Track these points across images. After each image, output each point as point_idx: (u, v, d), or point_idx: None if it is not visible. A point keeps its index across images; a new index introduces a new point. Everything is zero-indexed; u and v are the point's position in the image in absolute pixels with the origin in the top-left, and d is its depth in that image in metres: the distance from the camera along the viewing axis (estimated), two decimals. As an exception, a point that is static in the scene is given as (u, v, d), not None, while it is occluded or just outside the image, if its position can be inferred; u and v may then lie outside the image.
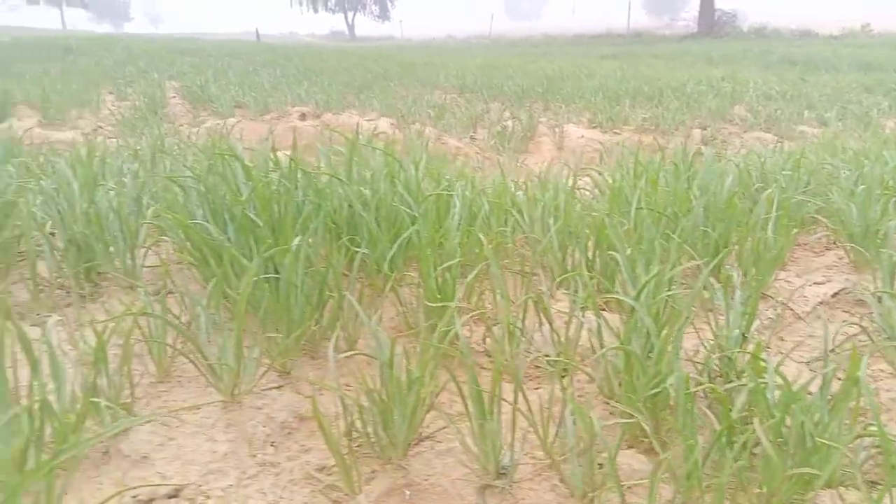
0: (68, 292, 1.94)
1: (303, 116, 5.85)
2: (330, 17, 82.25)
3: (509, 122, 6.75)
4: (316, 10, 77.53)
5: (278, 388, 1.47)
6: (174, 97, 7.20)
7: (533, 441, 1.27)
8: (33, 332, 1.71)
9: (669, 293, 1.50)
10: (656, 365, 1.31)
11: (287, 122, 5.74)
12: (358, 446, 1.27)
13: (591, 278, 1.57)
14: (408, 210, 1.92)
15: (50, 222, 2.00)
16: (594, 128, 6.27)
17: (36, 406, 1.15)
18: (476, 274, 1.65)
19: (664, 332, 1.34)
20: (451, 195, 2.04)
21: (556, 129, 6.13)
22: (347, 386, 1.53)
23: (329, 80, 10.09)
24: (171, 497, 1.16)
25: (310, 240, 1.63)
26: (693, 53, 18.09)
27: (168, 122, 6.17)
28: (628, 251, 1.67)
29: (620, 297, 1.48)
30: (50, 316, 1.74)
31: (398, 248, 1.83)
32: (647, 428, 1.13)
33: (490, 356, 1.66)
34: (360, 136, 4.55)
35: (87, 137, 5.57)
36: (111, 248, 1.90)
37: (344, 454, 1.17)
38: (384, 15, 77.44)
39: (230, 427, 1.34)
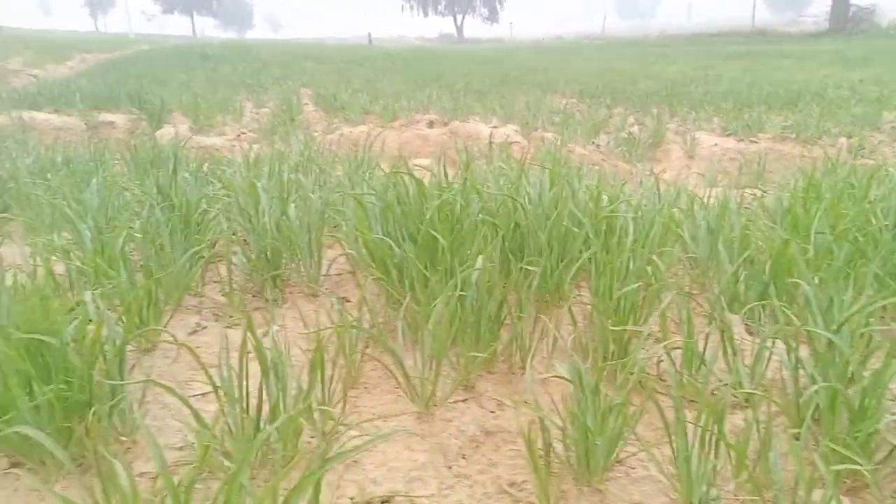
0: (254, 296, 2.11)
1: (431, 124, 5.99)
2: (439, 19, 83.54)
3: (634, 129, 6.61)
4: (426, 14, 78.96)
5: (464, 401, 1.53)
6: (307, 104, 7.57)
7: (727, 474, 1.26)
8: (231, 335, 1.88)
9: (868, 328, 1.44)
10: (861, 404, 1.26)
11: (416, 129, 5.90)
12: (550, 465, 1.31)
13: (783, 308, 1.53)
14: (575, 229, 1.94)
15: (239, 231, 2.18)
16: (728, 135, 6.01)
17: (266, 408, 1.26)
18: (656, 300, 1.64)
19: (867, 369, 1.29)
20: (615, 213, 2.04)
21: (687, 137, 5.94)
22: (526, 402, 1.57)
23: (447, 86, 10.27)
24: (384, 502, 1.24)
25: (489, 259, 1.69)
26: (825, 53, 16.94)
27: (303, 128, 6.50)
28: (815, 279, 1.61)
29: (816, 331, 1.43)
30: (231, 318, 1.89)
31: (566, 266, 1.85)
32: (867, 474, 1.09)
33: (664, 380, 1.65)
34: (493, 146, 4.59)
35: (234, 143, 5.97)
36: (297, 258, 2.04)
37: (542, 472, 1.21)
38: (493, 17, 77.67)
39: (426, 437, 1.41)
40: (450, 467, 1.36)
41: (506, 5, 78.28)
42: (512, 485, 1.34)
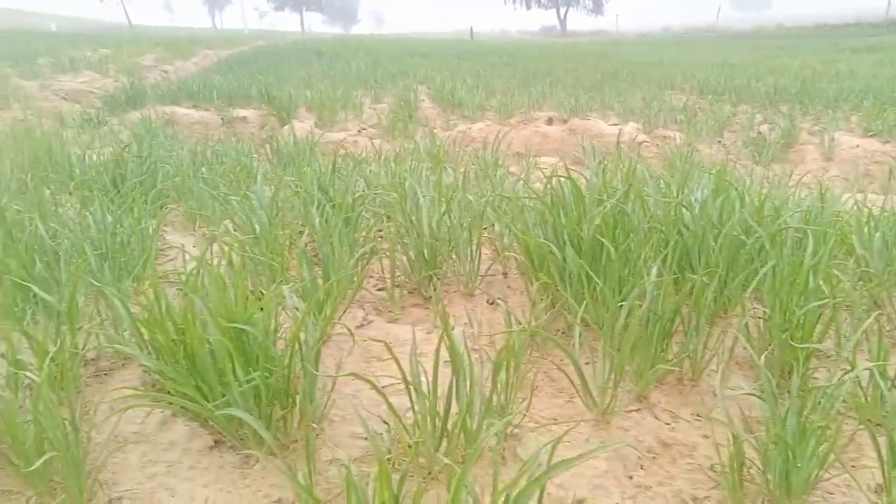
0: (410, 293, 2.17)
1: (549, 121, 5.95)
2: (541, 13, 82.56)
3: (763, 128, 6.29)
4: (528, 7, 78.23)
5: (638, 411, 1.52)
6: (423, 100, 7.70)
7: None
8: (394, 330, 1.95)
9: None
10: None
11: (534, 126, 5.88)
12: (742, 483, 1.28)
13: None
14: (743, 238, 1.87)
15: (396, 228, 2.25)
16: (870, 136, 5.61)
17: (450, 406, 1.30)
18: (834, 317, 1.56)
19: None
20: (786, 222, 1.95)
21: (824, 137, 5.58)
22: (697, 417, 1.54)
23: (557, 82, 10.15)
24: (576, 506, 1.26)
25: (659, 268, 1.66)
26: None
27: (421, 125, 6.62)
28: None
29: None
30: (391, 314, 1.96)
31: (739, 278, 1.80)
32: None
33: (847, 402, 1.57)
34: (619, 145, 4.49)
35: (356, 138, 6.17)
36: (454, 257, 2.09)
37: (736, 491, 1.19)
38: (597, 9, 75.88)
39: (604, 445, 1.42)
40: (630, 477, 1.36)
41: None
42: (694, 500, 1.32)
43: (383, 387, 1.67)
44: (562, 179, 2.07)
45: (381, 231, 2.54)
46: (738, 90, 8.35)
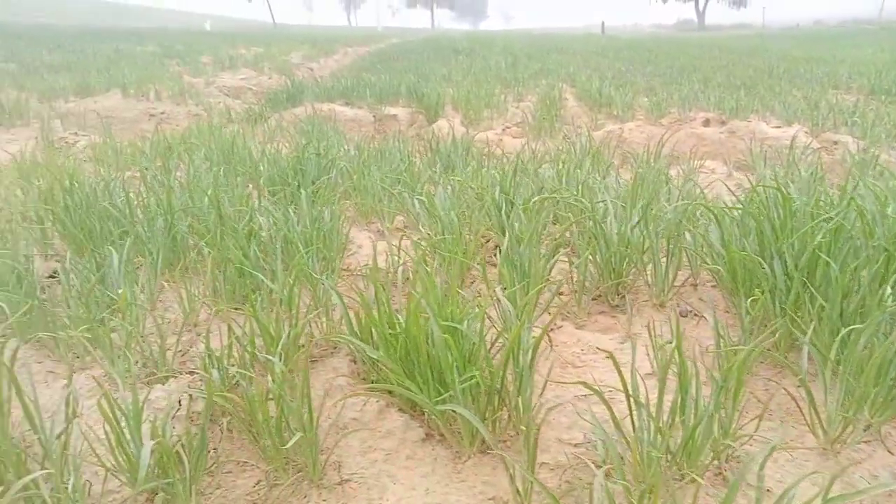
0: (594, 299, 2.17)
1: (707, 122, 5.69)
2: (679, 5, 79.14)
3: (953, 133, 5.67)
4: (665, 1, 75.18)
5: (867, 443, 1.43)
6: (567, 98, 7.61)
7: None
8: (585, 337, 1.95)
9: None
10: None
11: (690, 127, 5.64)
12: None
13: None
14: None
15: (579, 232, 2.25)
16: None
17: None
18: None
19: None
20: None
21: None
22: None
23: (703, 80, 9.68)
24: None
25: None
26: None
27: (566, 123, 6.55)
28: None
29: None
30: (578, 319, 1.95)
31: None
32: None
33: None
34: (795, 152, 4.22)
35: (500, 136, 6.21)
36: (641, 266, 2.06)
37: None
38: (740, 1, 71.62)
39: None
40: (866, 513, 1.28)
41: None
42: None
43: (583, 395, 1.68)
44: (766, 189, 1.98)
45: (561, 237, 2.54)
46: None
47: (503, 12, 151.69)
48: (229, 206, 2.44)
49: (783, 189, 1.89)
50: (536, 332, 1.91)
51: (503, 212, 2.30)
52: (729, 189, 2.65)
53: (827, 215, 1.75)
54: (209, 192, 2.59)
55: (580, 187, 2.69)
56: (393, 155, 4.15)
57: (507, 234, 1.98)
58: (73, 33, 22.54)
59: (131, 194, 2.59)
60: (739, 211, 1.96)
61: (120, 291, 1.80)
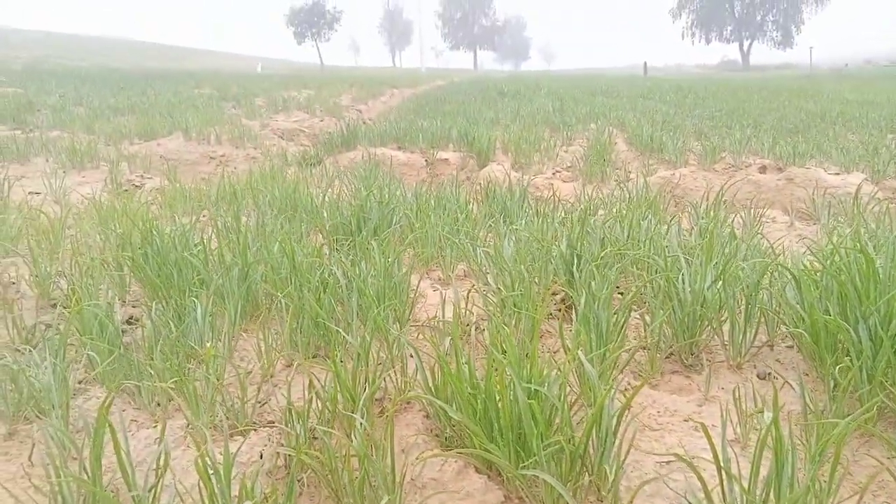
0: (667, 357, 2.14)
1: (763, 169, 5.62)
2: (722, 46, 79.04)
3: None
4: (708, 41, 75.26)
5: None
6: (617, 143, 7.62)
7: None
8: (660, 398, 1.91)
9: None
10: None
11: (745, 173, 5.57)
12: None
13: None
14: None
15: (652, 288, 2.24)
16: None
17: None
18: None
19: None
20: None
21: None
22: None
23: (756, 123, 9.58)
24: None
25: None
26: None
27: (616, 168, 6.54)
28: None
29: None
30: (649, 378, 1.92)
31: None
32: None
33: None
34: (857, 200, 4.13)
35: (550, 180, 6.23)
36: (721, 326, 2.03)
37: None
38: (786, 41, 71.17)
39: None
40: None
41: (805, 28, 71.30)
42: None
43: (664, 462, 1.65)
44: (848, 251, 1.94)
45: (634, 295, 2.53)
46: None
47: (545, 52, 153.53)
48: (301, 255, 2.50)
49: (865, 250, 1.85)
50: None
51: (574, 266, 2.30)
52: (802, 243, 2.60)
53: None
54: (279, 241, 2.66)
55: (647, 241, 2.68)
56: (449, 201, 4.21)
57: (579, 290, 1.98)
58: (136, 76, 23.62)
59: (206, 241, 2.68)
60: (820, 272, 1.92)
61: (208, 345, 1.86)
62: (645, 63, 61.33)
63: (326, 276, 2.33)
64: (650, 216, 3.53)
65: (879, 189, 5.31)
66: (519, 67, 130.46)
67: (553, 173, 6.56)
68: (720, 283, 2.01)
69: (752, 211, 4.24)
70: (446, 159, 6.73)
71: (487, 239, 3.38)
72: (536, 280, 2.37)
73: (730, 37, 74.54)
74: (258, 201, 4.01)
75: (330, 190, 4.54)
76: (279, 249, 2.59)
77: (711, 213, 4.02)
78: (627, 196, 4.68)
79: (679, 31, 76.94)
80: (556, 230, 3.29)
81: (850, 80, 25.96)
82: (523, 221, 3.67)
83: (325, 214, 3.60)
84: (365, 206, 3.45)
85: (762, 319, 2.05)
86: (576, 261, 2.38)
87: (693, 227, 3.80)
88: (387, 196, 3.79)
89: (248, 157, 7.29)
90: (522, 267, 2.28)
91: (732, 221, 3.93)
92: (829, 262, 1.94)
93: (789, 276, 2.02)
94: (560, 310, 2.43)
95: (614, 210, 4.25)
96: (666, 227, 3.51)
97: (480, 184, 5.82)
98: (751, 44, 73.00)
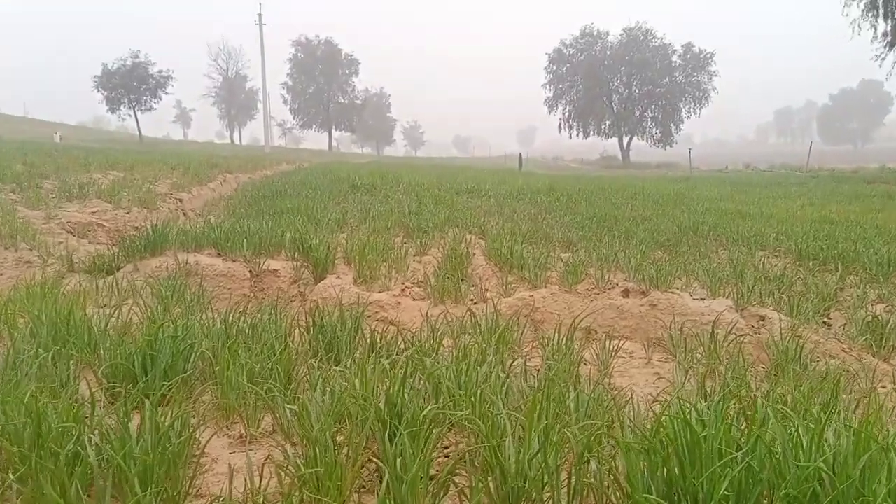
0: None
1: (626, 293, 6.08)
2: (600, 141, 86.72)
3: (878, 308, 6.32)
4: (586, 135, 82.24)
5: None
6: (475, 254, 7.99)
7: None
8: None
9: None
10: None
11: (608, 297, 6.01)
12: None
13: None
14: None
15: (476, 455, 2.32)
16: None
17: None
18: None
19: None
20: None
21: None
22: None
23: (628, 233, 10.45)
24: None
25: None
26: None
27: (473, 284, 6.83)
28: None
29: None
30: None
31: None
32: None
33: None
34: (715, 334, 4.56)
35: (399, 298, 6.37)
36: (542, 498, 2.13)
37: None
38: (665, 139, 79.26)
39: None
40: None
41: (684, 127, 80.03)
42: None
43: None
44: (672, 418, 2.14)
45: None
46: (842, 256, 8.48)
47: (411, 137, 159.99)
48: (53, 417, 2.37)
49: (690, 422, 2.05)
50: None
51: (390, 429, 2.35)
52: (656, 385, 2.83)
53: (732, 455, 1.91)
54: (29, 394, 2.51)
55: (479, 394, 2.80)
56: (268, 329, 4.19)
57: (392, 461, 2.03)
58: None
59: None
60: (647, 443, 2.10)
61: None
62: (521, 155, 65.65)
63: (83, 447, 2.22)
64: (493, 356, 3.70)
65: (743, 317, 5.91)
66: (381, 152, 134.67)
67: (402, 290, 6.72)
68: (542, 454, 2.14)
69: (608, 343, 4.56)
70: (276, 270, 6.72)
71: (303, 384, 3.38)
72: (347, 448, 2.39)
73: (608, 131, 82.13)
74: (14, 331, 3.77)
75: (118, 314, 4.37)
76: (27, 408, 2.44)
77: (565, 347, 4.29)
78: (478, 324, 4.89)
79: (554, 123, 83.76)
80: (388, 372, 3.36)
81: (728, 184, 29.13)
82: (351, 360, 3.71)
83: (102, 350, 3.45)
84: (155, 340, 3.35)
85: (590, 495, 2.19)
86: (394, 421, 2.43)
87: (541, 367, 4.02)
88: (186, 326, 3.71)
89: (19, 262, 6.87)
90: (327, 434, 2.30)
91: (581, 359, 4.20)
92: (653, 433, 2.12)
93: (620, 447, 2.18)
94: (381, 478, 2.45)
95: (463, 341, 4.43)
96: (511, 366, 3.69)
97: (317, 302, 5.84)
98: (630, 140, 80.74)
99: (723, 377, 3.77)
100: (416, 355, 3.58)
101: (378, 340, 4.24)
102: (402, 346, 4.20)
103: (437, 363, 3.48)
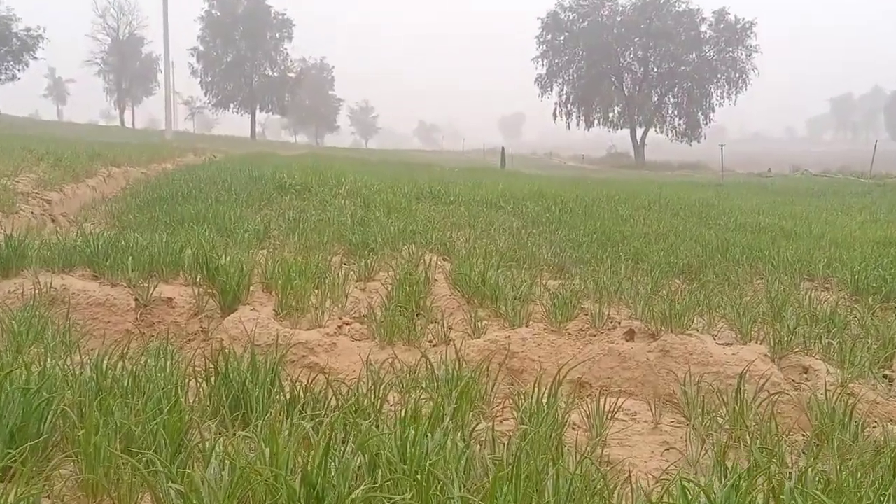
0: None
1: (630, 335, 6.13)
2: (608, 133, 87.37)
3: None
4: (589, 126, 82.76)
5: None
6: (437, 280, 8.00)
7: None
8: None
9: None
10: None
11: (607, 341, 6.06)
12: None
13: None
14: None
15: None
16: None
17: None
18: None
19: None
20: None
21: None
22: None
23: (638, 255, 10.54)
24: None
25: None
26: None
27: (433, 321, 6.83)
28: None
29: None
30: None
31: None
32: None
33: None
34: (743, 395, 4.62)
35: (334, 339, 6.36)
36: None
37: None
38: (692, 133, 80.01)
39: None
40: None
41: (715, 117, 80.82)
42: None
43: None
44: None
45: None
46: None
47: (361, 123, 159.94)
48: None
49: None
50: None
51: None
52: (665, 458, 2.85)
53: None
54: None
55: (427, 469, 2.79)
56: (154, 380, 4.15)
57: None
58: None
59: None
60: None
61: None
62: (503, 150, 65.82)
63: None
64: (452, 418, 3.71)
65: (780, 367, 6.00)
66: (321, 141, 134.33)
67: (338, 326, 6.71)
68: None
69: (604, 401, 4.59)
70: (170, 299, 6.68)
71: (197, 453, 3.35)
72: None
73: (617, 121, 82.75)
74: None
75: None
76: None
77: (546, 406, 4.31)
78: (435, 375, 4.90)
79: (550, 108, 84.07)
80: (311, 438, 3.35)
81: (770, 193, 29.60)
82: (263, 421, 3.69)
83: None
84: (-2, 394, 3.31)
85: None
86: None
87: (517, 430, 4.04)
88: (44, 374, 3.67)
89: None
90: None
91: (567, 422, 4.23)
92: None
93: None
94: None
95: (414, 397, 4.42)
96: (474, 432, 3.70)
97: (223, 342, 5.80)
98: (645, 132, 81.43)
99: (749, 448, 3.81)
100: (349, 416, 3.58)
101: (301, 394, 4.23)
102: (335, 403, 4.20)
103: (377, 427, 3.48)
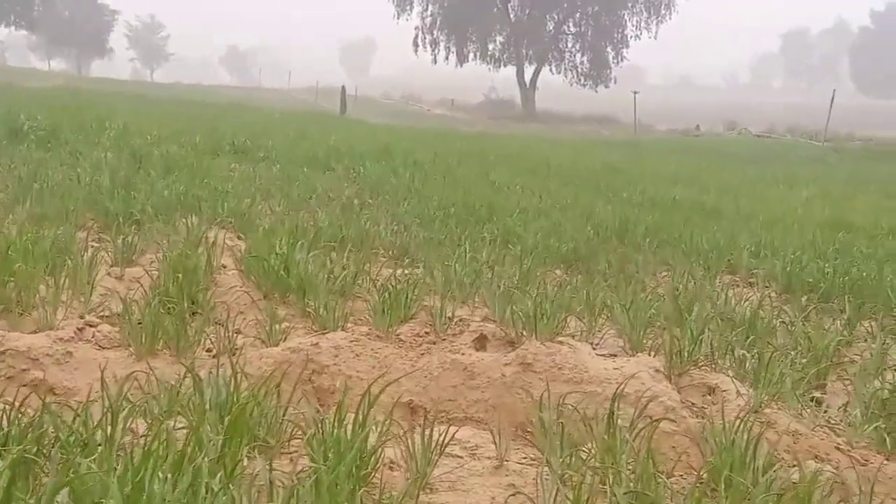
0: None
1: (481, 341, 6.15)
2: (486, 70, 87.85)
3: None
4: (462, 61, 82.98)
5: None
6: (225, 266, 7.90)
7: None
8: None
9: None
10: None
11: (450, 350, 6.05)
12: None
13: None
14: None
15: None
16: None
17: None
18: None
19: None
20: None
21: None
22: None
23: (505, 235, 10.65)
24: None
25: None
26: None
27: (216, 322, 6.72)
28: None
29: None
30: None
31: None
32: None
33: None
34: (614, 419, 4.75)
35: (72, 346, 6.21)
36: None
37: None
38: (599, 75, 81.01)
39: None
40: None
41: (629, 54, 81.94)
42: None
43: None
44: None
45: None
46: (856, 287, 8.94)
47: (148, 48, 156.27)
48: None
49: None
50: None
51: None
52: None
53: None
54: None
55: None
56: None
57: None
58: None
59: None
60: None
61: None
62: (344, 90, 65.51)
63: None
64: (215, 454, 3.67)
65: (678, 386, 6.13)
66: (86, 70, 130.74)
67: (80, 328, 6.54)
68: None
69: (433, 431, 4.59)
70: None
71: None
72: None
73: (500, 56, 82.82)
74: None
75: None
76: None
77: (351, 437, 4.31)
78: (202, 395, 4.84)
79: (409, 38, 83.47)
80: None
81: (696, 155, 30.39)
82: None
83: None
84: None
85: None
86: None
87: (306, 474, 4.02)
88: None
89: None
90: None
91: (381, 459, 4.24)
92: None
93: None
94: None
95: (168, 426, 4.35)
96: (245, 474, 3.68)
97: None
98: (537, 72, 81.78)
99: (611, 492, 3.89)
100: (70, 452, 3.51)
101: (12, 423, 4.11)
102: (54, 435, 4.09)
103: (101, 468, 3.42)
